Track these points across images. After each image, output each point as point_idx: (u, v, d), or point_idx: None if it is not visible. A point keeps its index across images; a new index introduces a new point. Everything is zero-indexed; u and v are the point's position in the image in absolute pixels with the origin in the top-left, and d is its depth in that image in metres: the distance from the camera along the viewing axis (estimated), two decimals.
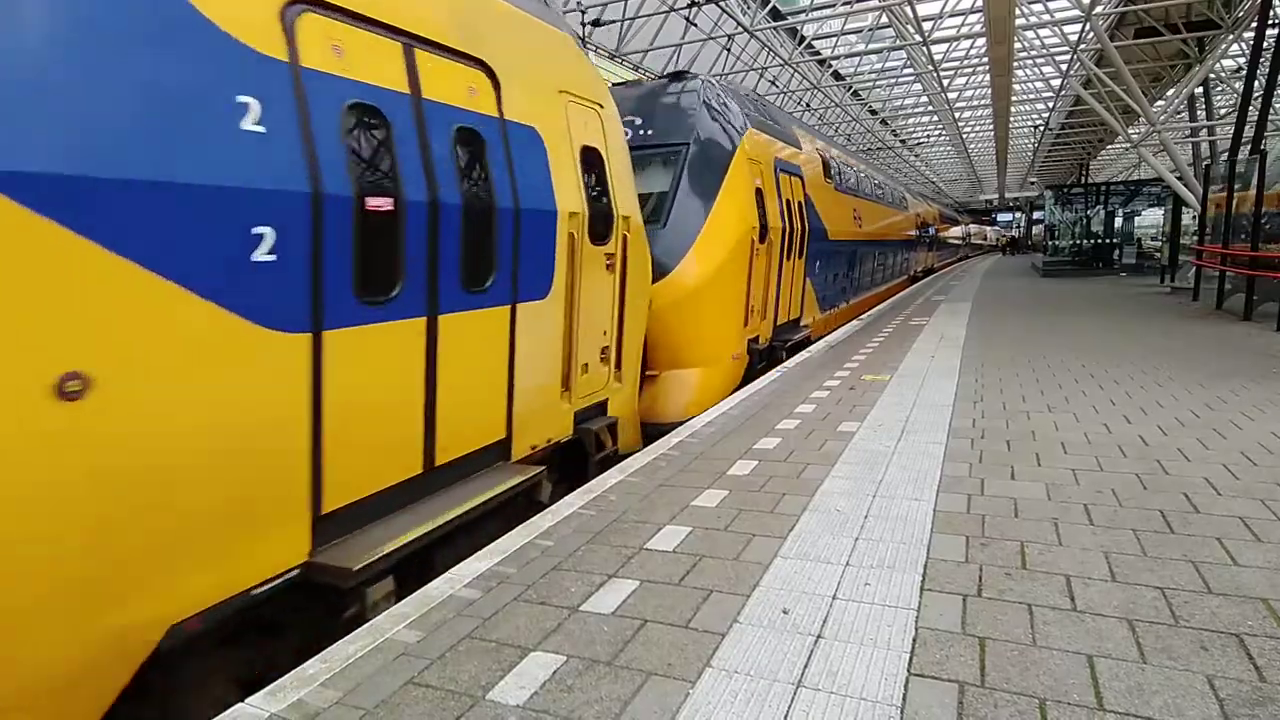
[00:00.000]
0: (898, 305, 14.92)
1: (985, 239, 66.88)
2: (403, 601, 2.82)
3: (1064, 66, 23.53)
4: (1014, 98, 25.03)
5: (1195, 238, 16.44)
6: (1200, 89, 20.27)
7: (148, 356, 2.25)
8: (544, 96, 4.37)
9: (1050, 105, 31.14)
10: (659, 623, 2.59)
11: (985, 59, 19.33)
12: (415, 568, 3.25)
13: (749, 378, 7.59)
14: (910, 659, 2.30)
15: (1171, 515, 3.40)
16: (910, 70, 27.48)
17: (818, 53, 24.90)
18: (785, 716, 2.05)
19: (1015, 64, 19.47)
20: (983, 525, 3.36)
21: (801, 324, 10.05)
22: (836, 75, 27.83)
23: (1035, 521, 3.38)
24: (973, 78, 28.58)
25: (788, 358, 8.53)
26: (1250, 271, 11.04)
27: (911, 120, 39.14)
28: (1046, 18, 20.63)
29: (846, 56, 25.90)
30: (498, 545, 3.33)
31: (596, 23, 16.12)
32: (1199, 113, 21.79)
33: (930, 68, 22.57)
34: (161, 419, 2.30)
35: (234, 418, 2.51)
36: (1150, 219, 27.92)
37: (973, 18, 21.80)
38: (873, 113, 35.66)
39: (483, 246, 3.67)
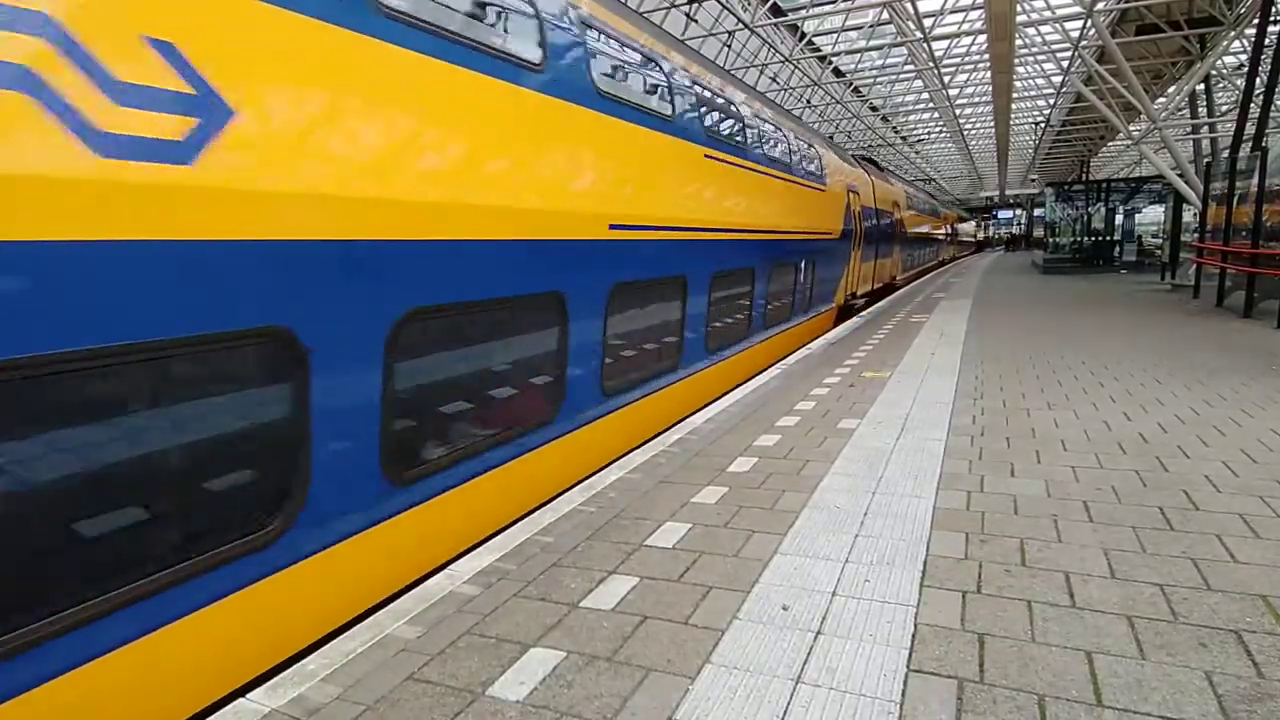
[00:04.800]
0: (898, 303, 14.92)
1: (956, 236, 46.00)
2: (402, 598, 2.83)
3: (1065, 63, 23.50)
4: (1015, 94, 24.99)
5: (1196, 235, 16.42)
6: (1201, 86, 20.22)
7: None
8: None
9: (1051, 102, 31.11)
10: (659, 619, 2.59)
11: (986, 56, 19.28)
12: None
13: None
14: (909, 655, 2.30)
15: (1171, 512, 3.40)
16: (911, 67, 27.43)
17: (818, 49, 24.86)
18: (784, 712, 2.05)
19: (1016, 61, 19.45)
20: (982, 522, 3.36)
21: None
22: (837, 72, 27.78)
23: (1035, 518, 3.38)
24: (974, 74, 28.55)
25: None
26: (1250, 269, 11.04)
27: (912, 117, 39.09)
28: (1048, 14, 20.61)
29: (847, 53, 25.85)
30: (497, 542, 3.33)
31: None
32: (1200, 110, 21.76)
33: (931, 64, 22.52)
34: None
35: None
36: (1151, 216, 27.88)
37: (974, 14, 21.78)
38: (873, 109, 35.62)
39: None
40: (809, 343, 9.73)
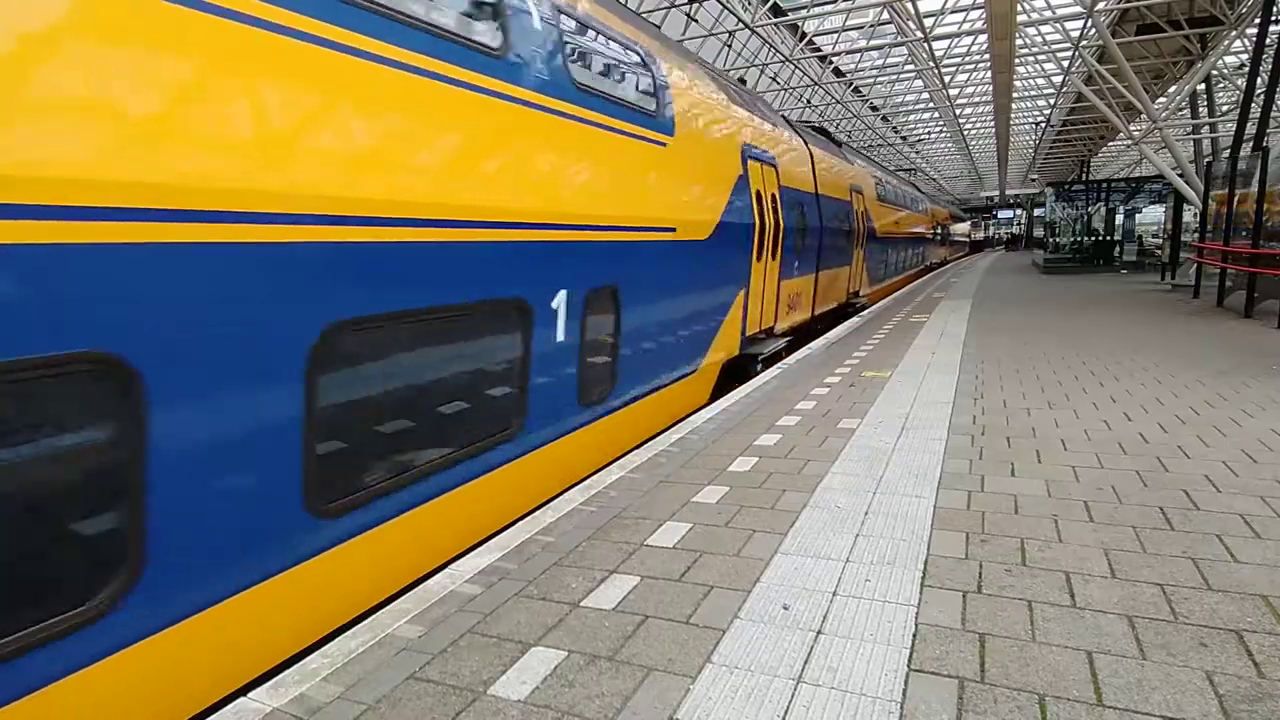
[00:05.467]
0: (898, 303, 14.90)
1: (947, 236, 35.59)
2: (403, 597, 2.83)
3: (1065, 63, 23.50)
4: (1015, 94, 24.99)
5: (1196, 235, 16.42)
6: (1202, 86, 20.22)
7: None
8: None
9: (1051, 102, 31.12)
10: (660, 618, 2.59)
11: (986, 55, 19.28)
12: None
13: None
14: (910, 655, 2.31)
15: (1171, 512, 3.40)
16: (911, 67, 27.44)
17: (818, 49, 24.87)
18: (785, 712, 2.05)
19: (1017, 60, 19.44)
20: (983, 522, 3.37)
21: None
22: (837, 72, 27.78)
23: (1035, 518, 3.39)
24: (974, 74, 28.56)
25: None
26: (1250, 269, 11.04)
27: (912, 117, 39.11)
28: (1048, 14, 20.62)
29: (847, 53, 25.86)
30: (498, 541, 3.34)
31: None
32: (1201, 110, 21.76)
33: (931, 64, 22.51)
34: None
35: None
36: (1151, 216, 27.91)
37: (974, 14, 21.79)
38: (874, 109, 35.64)
39: None
40: (624, 454, 4.85)
